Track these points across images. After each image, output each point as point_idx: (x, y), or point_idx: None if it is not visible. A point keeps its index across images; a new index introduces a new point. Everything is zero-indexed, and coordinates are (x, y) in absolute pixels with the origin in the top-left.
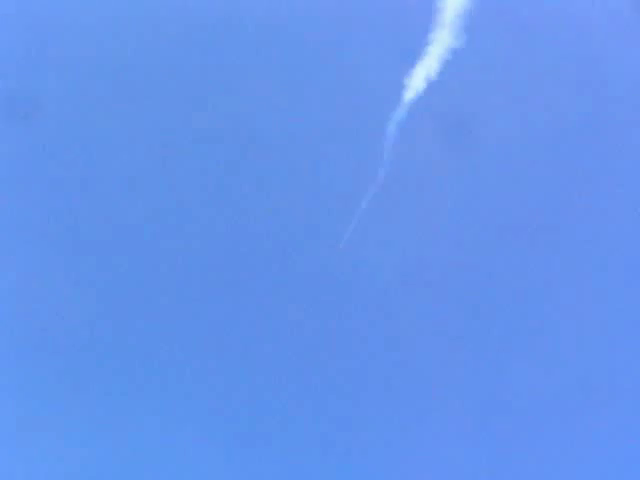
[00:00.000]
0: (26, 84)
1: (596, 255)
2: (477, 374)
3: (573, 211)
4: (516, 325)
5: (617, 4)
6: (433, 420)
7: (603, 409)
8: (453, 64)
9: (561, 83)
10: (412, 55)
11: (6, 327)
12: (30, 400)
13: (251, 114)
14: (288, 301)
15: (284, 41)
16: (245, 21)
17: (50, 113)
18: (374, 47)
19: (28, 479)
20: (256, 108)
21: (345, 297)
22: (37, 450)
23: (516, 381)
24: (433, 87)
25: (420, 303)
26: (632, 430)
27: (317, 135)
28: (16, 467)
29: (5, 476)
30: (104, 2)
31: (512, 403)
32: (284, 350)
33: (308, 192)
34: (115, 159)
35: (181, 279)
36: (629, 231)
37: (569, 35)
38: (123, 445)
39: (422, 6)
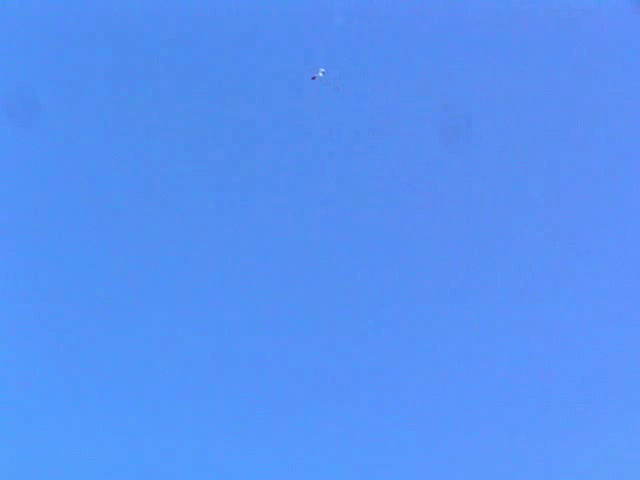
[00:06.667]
0: (26, 84)
1: (595, 254)
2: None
3: (572, 210)
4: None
5: (617, 4)
6: None
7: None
8: (453, 62)
9: (561, 83)
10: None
11: (7, 323)
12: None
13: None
14: None
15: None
16: (244, 21)
17: (50, 114)
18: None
19: None
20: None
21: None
22: None
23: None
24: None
25: (422, 303)
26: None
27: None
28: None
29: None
30: (105, 2)
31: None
32: None
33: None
34: (115, 159)
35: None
36: (629, 230)
37: (569, 35)
38: None
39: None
